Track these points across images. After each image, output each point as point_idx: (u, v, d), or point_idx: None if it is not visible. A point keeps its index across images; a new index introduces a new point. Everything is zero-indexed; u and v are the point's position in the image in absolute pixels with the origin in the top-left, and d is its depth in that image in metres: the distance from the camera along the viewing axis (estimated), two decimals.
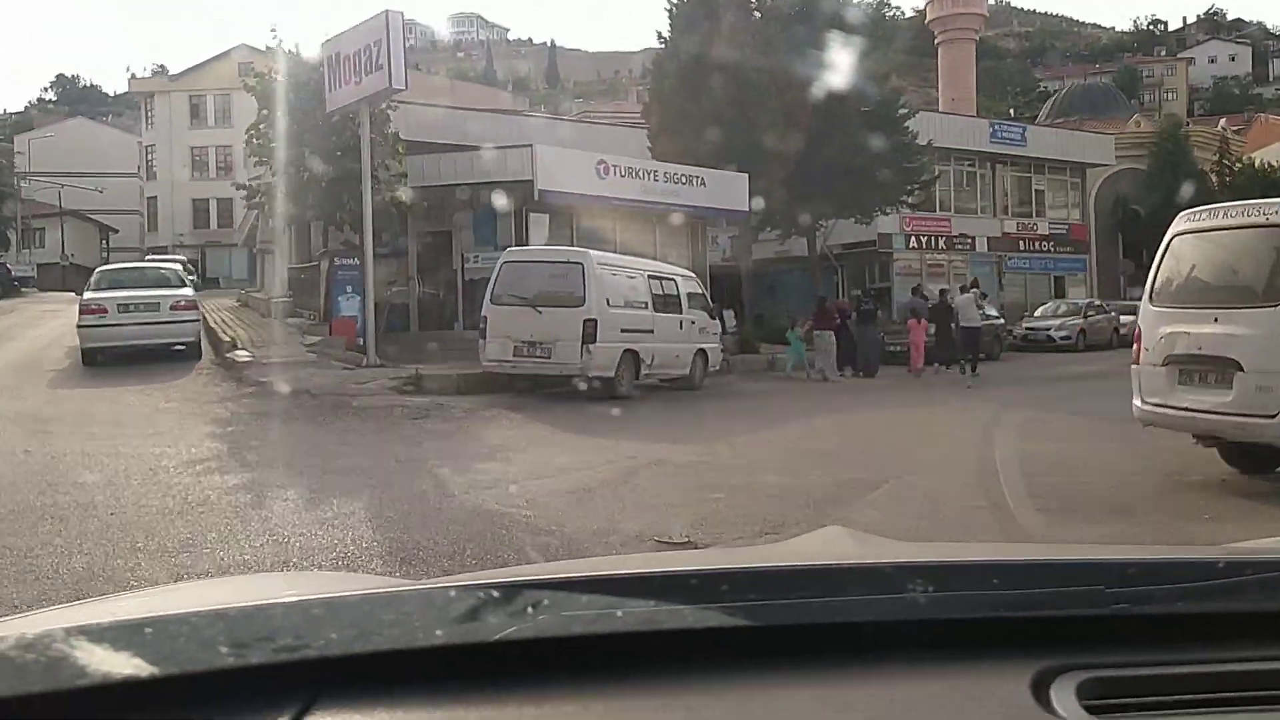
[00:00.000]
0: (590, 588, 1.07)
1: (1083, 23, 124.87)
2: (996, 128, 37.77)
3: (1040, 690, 0.95)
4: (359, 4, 15.40)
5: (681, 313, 16.32)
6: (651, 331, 15.27)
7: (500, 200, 20.47)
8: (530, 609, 0.99)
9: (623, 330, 14.57)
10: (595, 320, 13.99)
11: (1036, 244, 38.99)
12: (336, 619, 0.99)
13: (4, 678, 0.88)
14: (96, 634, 0.93)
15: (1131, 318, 33.32)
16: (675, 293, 16.34)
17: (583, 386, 14.10)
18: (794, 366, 20.35)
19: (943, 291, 23.05)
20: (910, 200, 30.34)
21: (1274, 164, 49.17)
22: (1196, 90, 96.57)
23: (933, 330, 21.58)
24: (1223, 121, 52.01)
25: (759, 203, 25.75)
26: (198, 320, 17.11)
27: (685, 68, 26.11)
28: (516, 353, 14.20)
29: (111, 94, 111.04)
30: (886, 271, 35.69)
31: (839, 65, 26.03)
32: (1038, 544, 4.65)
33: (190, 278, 20.08)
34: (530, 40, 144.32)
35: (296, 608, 1.03)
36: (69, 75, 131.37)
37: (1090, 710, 0.93)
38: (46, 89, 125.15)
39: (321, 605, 1.04)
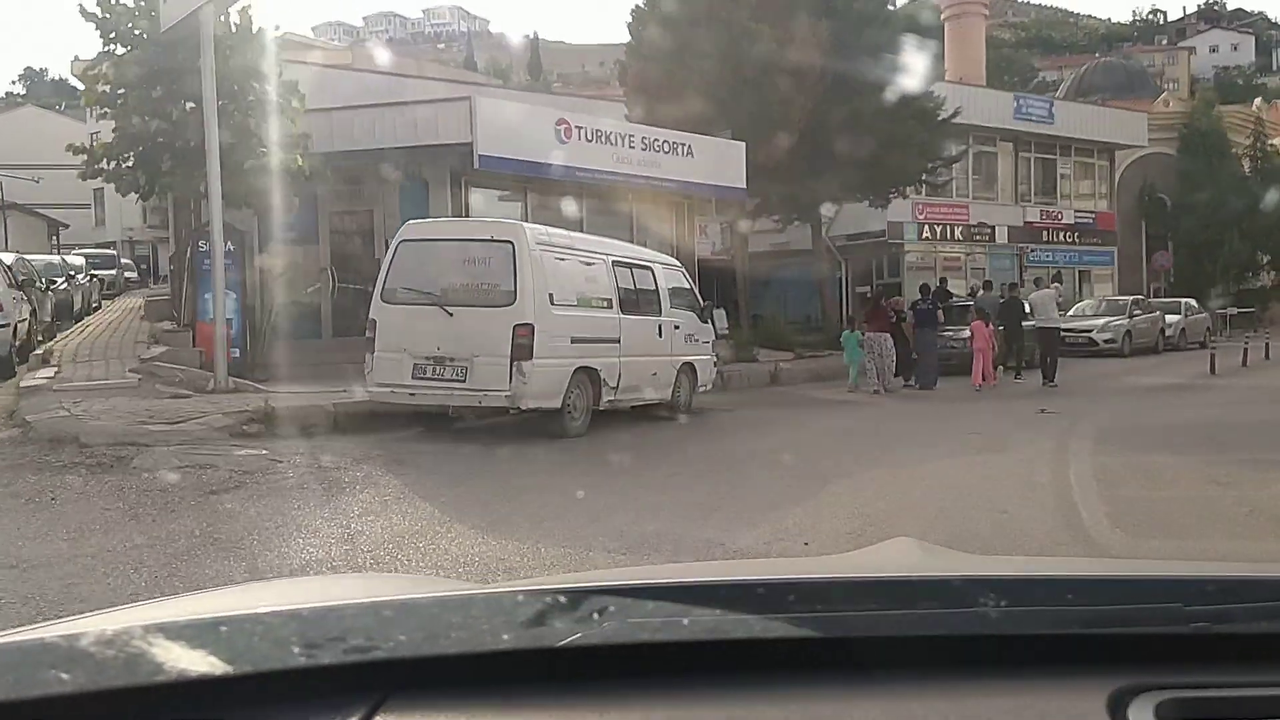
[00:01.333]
0: (657, 595, 1.04)
1: (1079, 14, 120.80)
2: (1021, 102, 33.17)
3: (1117, 710, 0.91)
4: None
5: (661, 314, 11.68)
6: (617, 341, 10.64)
7: (432, 169, 15.81)
8: (597, 615, 0.98)
9: (575, 339, 9.94)
10: (531, 326, 9.36)
11: (1061, 234, 34.45)
12: (406, 621, 1.00)
13: (84, 673, 0.89)
14: (173, 631, 0.94)
15: (1177, 317, 29.58)
16: (653, 286, 11.69)
17: (517, 418, 9.47)
18: (855, 379, 16.38)
19: (1013, 286, 18.74)
20: (932, 179, 25.72)
21: None
22: (1198, 81, 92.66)
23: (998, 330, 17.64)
24: (1258, 101, 47.74)
25: (757, 183, 21.16)
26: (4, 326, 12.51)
27: (670, 17, 21.44)
28: (417, 374, 9.51)
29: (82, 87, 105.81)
30: (896, 265, 31.13)
31: (851, 14, 21.47)
32: (1113, 559, 4.18)
33: (22, 278, 15.21)
34: (511, 34, 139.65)
35: (368, 609, 1.04)
36: (37, 69, 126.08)
37: None
38: (14, 82, 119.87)
39: (392, 607, 1.04)
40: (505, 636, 0.96)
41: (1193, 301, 30.40)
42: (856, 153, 21.73)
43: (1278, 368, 21.00)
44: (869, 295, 17.90)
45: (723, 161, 19.52)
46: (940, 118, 24.00)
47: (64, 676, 0.89)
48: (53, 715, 0.88)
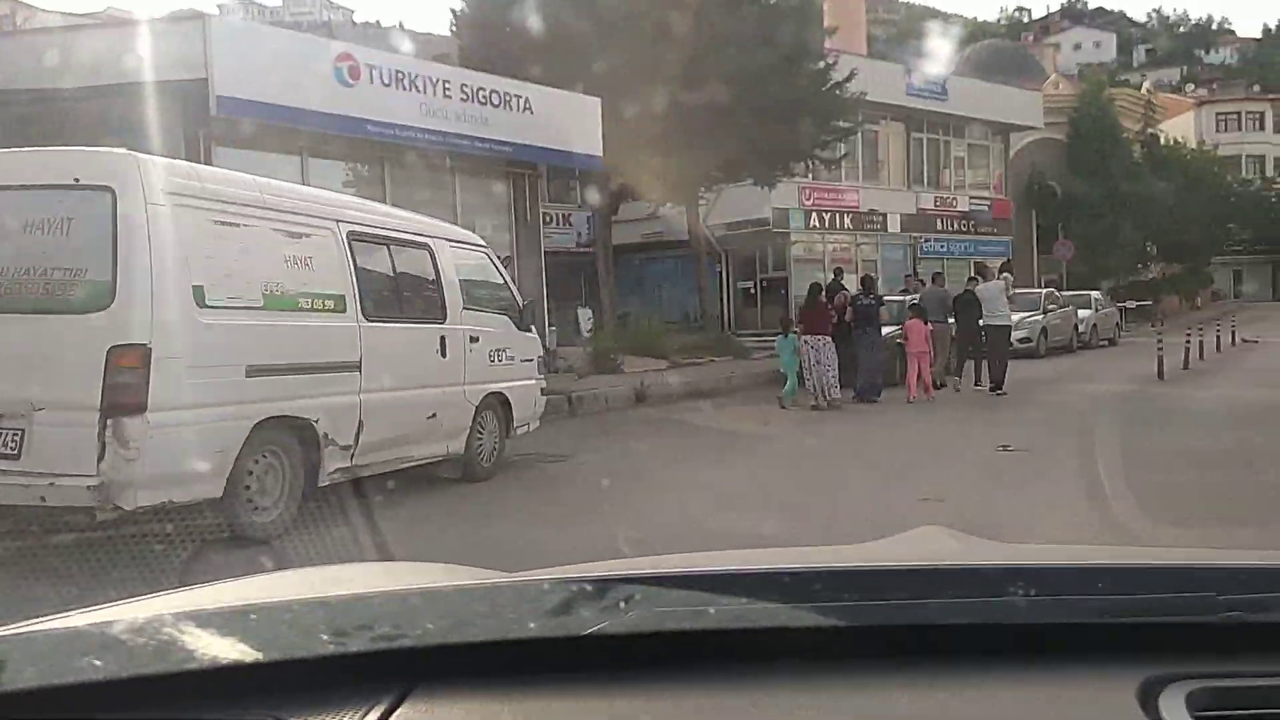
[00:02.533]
0: (683, 583, 1.04)
1: (948, 13, 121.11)
2: (913, 75, 29.73)
3: (1148, 700, 0.88)
4: None
5: (446, 320, 7.21)
6: (356, 367, 6.16)
7: (160, 118, 11.06)
8: (623, 604, 0.97)
9: (255, 369, 5.38)
10: (145, 348, 4.78)
11: (955, 223, 31.28)
12: (433, 610, 0.99)
13: (116, 660, 0.90)
14: (203, 619, 0.95)
15: (1088, 312, 26.53)
16: (431, 276, 7.21)
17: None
18: (791, 391, 13.04)
19: (970, 280, 15.48)
20: (826, 155, 21.90)
21: (1181, 139, 43.85)
22: (1064, 78, 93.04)
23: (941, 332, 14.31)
24: (1147, 84, 46.12)
25: (621, 156, 16.91)
26: None
27: None
28: None
29: None
30: (782, 257, 27.38)
31: None
32: (1145, 547, 3.48)
33: None
34: (379, 23, 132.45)
35: (395, 598, 1.06)
36: None
37: None
38: None
39: (419, 596, 1.05)
40: (532, 625, 0.95)
41: (1099, 294, 27.56)
42: (739, 121, 17.72)
43: (1222, 371, 17.81)
44: (818, 286, 14.03)
45: (573, 122, 15.17)
46: (832, 81, 20.20)
47: (96, 663, 0.89)
48: (86, 702, 0.87)
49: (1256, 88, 64.96)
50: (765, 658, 0.94)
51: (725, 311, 26.93)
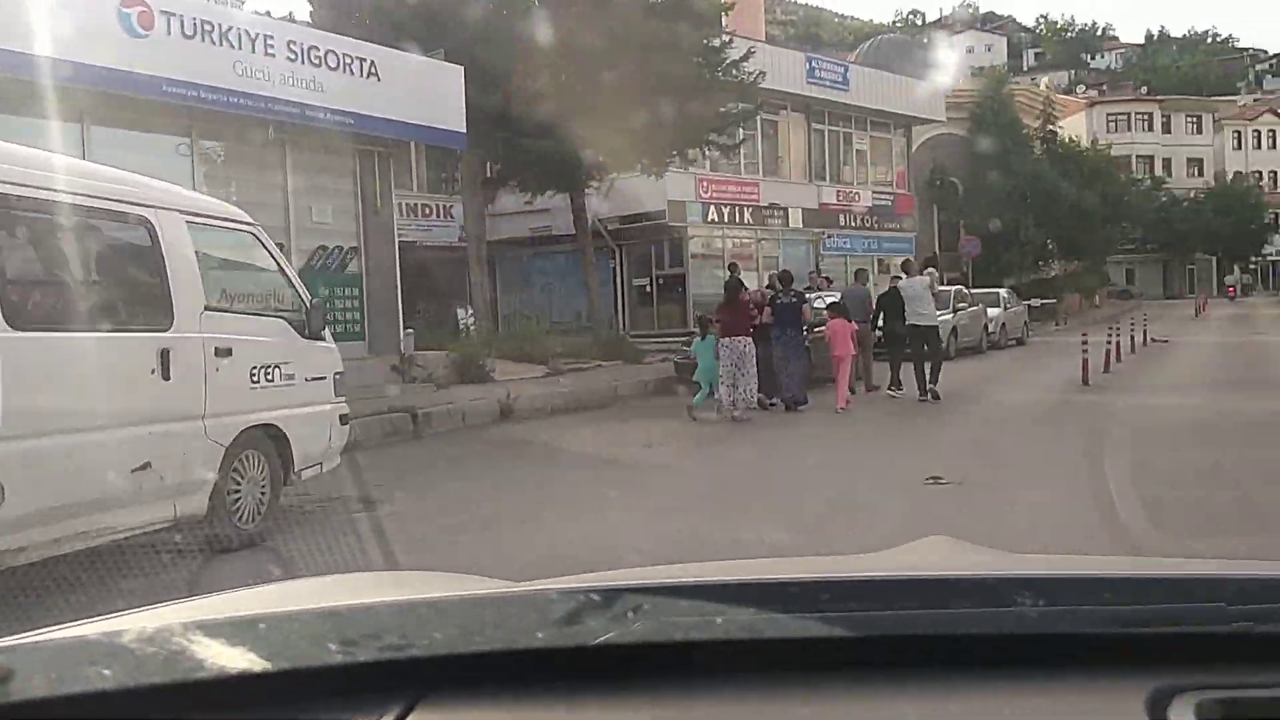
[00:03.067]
0: (691, 594, 1.02)
1: (844, 15, 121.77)
2: (814, 64, 28.16)
3: (1156, 710, 0.88)
4: None
5: (171, 325, 4.93)
6: None
7: None
8: (631, 614, 0.95)
9: None
10: None
11: (859, 219, 29.90)
12: (442, 620, 0.98)
13: (124, 669, 0.89)
14: (212, 629, 0.94)
15: (997, 311, 25.25)
16: (145, 262, 4.95)
17: None
18: (701, 401, 11.50)
19: (895, 278, 13.93)
20: (724, 139, 20.07)
21: (1076, 138, 43.73)
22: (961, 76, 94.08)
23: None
24: (1045, 80, 45.80)
25: (494, 137, 14.82)
26: None
27: None
28: None
29: None
30: (679, 253, 25.55)
31: None
32: (1152, 558, 3.60)
33: None
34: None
35: (404, 608, 1.03)
36: None
37: None
38: None
39: (428, 606, 1.03)
40: (540, 635, 0.95)
41: (1006, 292, 26.48)
42: (626, 97, 15.75)
43: (1145, 374, 16.55)
44: (735, 278, 12.41)
45: (430, 93, 12.96)
46: (728, 59, 18.38)
47: (105, 673, 0.89)
48: (94, 711, 0.87)
49: (1144, 89, 66.32)
50: (773, 668, 0.94)
51: (620, 311, 25.06)
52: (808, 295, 14.12)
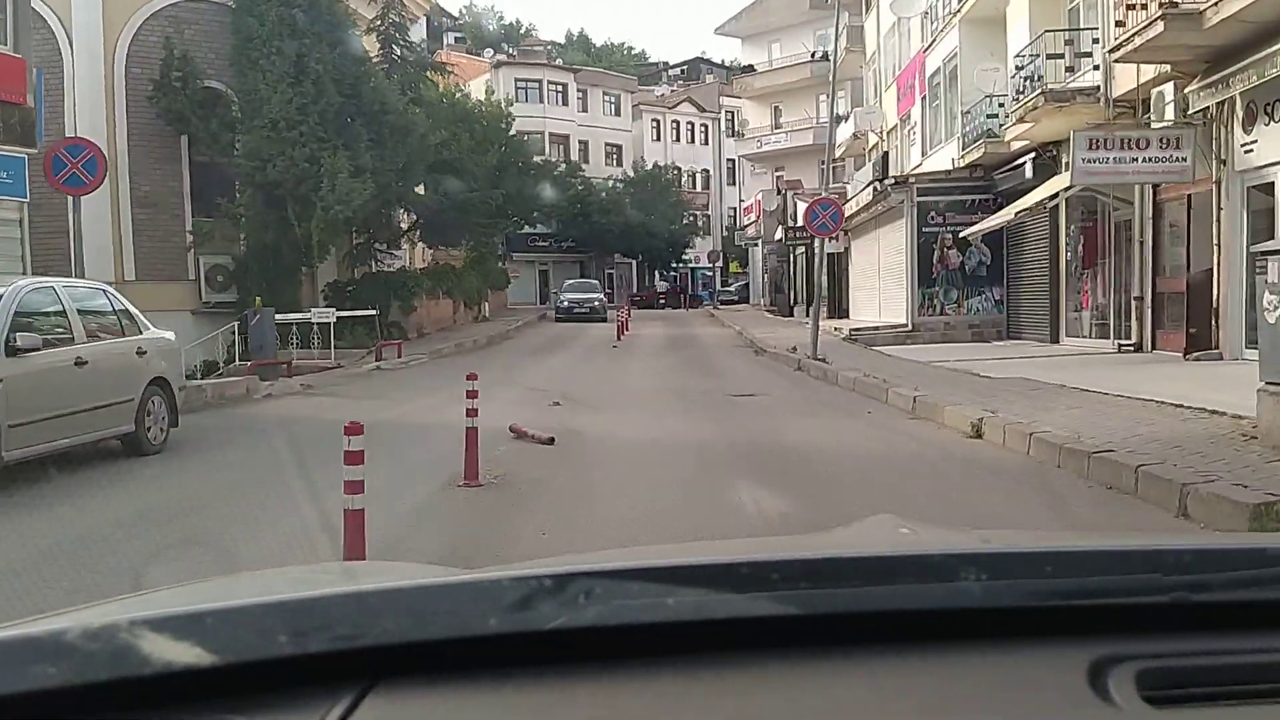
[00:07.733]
0: (642, 576, 1.00)
1: None
2: None
3: (1097, 679, 0.88)
4: None
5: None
6: None
7: None
8: (583, 598, 0.94)
9: None
10: None
11: None
12: (392, 608, 0.95)
13: (70, 666, 0.85)
14: (158, 624, 0.90)
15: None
16: None
17: None
18: None
19: None
20: None
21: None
22: None
23: None
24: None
25: None
26: None
27: None
28: None
29: None
30: None
31: None
32: (1091, 532, 4.15)
33: None
34: None
35: (353, 597, 1.00)
36: None
37: (1148, 700, 0.87)
38: None
39: (378, 595, 1.00)
40: (492, 621, 0.93)
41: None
42: None
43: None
44: None
45: None
46: None
47: (50, 670, 0.85)
48: (40, 709, 0.84)
49: (560, 61, 57.51)
50: (725, 648, 0.93)
51: None
52: None
